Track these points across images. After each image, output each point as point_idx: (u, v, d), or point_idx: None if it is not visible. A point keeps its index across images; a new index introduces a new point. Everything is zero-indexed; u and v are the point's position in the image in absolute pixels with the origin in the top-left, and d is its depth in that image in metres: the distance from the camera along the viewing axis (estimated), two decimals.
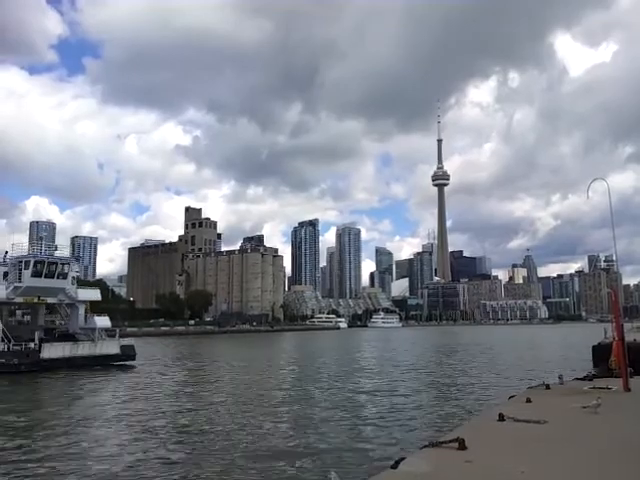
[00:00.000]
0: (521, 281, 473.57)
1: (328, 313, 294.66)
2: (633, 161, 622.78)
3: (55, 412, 22.67)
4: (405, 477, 6.44)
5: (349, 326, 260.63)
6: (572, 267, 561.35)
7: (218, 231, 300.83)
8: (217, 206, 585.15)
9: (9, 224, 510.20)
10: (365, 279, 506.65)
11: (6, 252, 45.37)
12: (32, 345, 39.16)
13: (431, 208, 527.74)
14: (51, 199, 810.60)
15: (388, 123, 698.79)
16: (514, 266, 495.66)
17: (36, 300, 43.30)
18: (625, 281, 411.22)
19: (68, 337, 43.52)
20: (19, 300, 42.26)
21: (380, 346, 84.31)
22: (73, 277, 45.79)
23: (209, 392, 29.17)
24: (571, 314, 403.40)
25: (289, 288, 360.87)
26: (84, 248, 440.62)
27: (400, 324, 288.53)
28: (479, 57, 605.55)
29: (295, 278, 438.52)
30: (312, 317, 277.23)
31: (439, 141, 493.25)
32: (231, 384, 32.98)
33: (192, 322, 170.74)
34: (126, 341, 46.95)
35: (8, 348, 38.31)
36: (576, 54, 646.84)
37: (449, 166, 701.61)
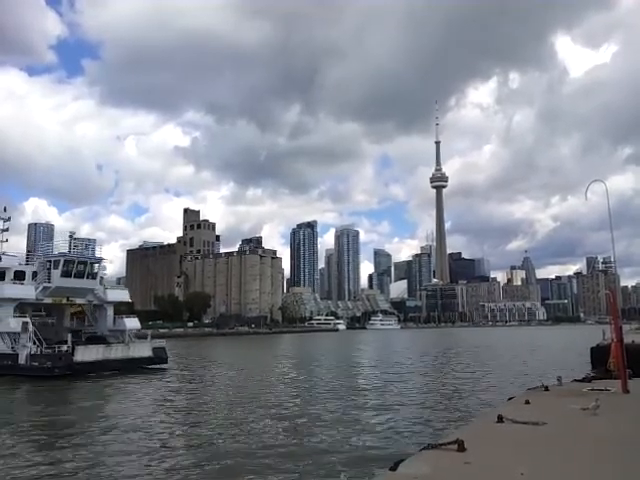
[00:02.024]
0: (519, 283, 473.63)
1: (327, 315, 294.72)
2: (631, 162, 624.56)
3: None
4: (404, 479, 6.42)
5: (348, 328, 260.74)
6: (571, 269, 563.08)
7: (217, 233, 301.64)
8: (216, 208, 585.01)
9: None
10: (364, 281, 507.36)
11: (28, 251, 44.85)
12: (65, 348, 37.26)
13: (430, 210, 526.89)
14: (50, 201, 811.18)
15: (388, 125, 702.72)
16: (512, 268, 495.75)
17: (65, 301, 42.20)
18: (623, 283, 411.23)
19: (98, 339, 41.97)
20: (48, 301, 41.16)
21: (378, 348, 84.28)
22: (101, 277, 44.45)
23: (231, 397, 29.16)
24: (569, 316, 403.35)
25: (288, 290, 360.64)
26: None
27: (399, 326, 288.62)
28: (480, 58, 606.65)
29: (294, 280, 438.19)
30: (311, 319, 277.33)
31: (437, 143, 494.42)
32: (245, 387, 32.98)
33: (191, 324, 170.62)
34: (157, 343, 45.01)
35: (40, 351, 36.70)
36: (577, 55, 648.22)
37: (449, 168, 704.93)
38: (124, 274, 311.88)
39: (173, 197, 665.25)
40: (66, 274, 40.25)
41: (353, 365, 49.41)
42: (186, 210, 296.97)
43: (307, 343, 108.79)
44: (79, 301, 43.11)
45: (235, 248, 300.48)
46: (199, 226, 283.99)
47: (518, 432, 8.86)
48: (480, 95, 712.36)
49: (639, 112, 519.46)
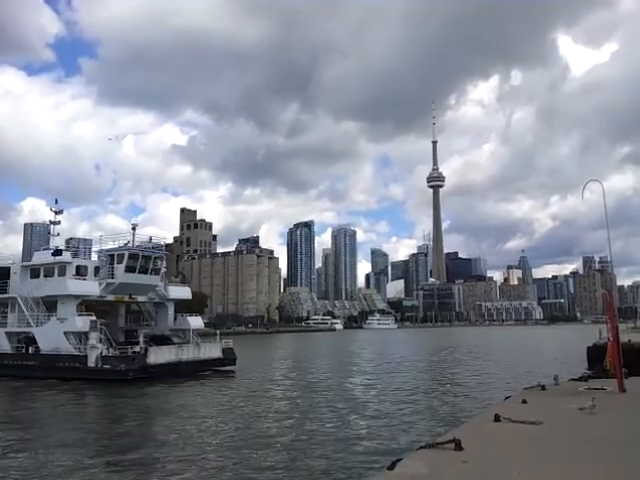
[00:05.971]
0: (516, 282, 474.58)
1: (324, 315, 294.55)
2: (629, 162, 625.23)
3: None
4: (401, 478, 6.43)
5: (345, 327, 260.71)
6: (568, 268, 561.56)
7: (215, 232, 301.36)
8: (214, 207, 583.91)
9: (5, 225, 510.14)
10: (361, 280, 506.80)
11: (77, 247, 43.11)
12: (137, 349, 34.28)
13: (429, 209, 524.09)
14: (47, 200, 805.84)
15: (387, 124, 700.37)
16: (509, 267, 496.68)
17: (127, 298, 39.50)
18: (620, 282, 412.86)
19: (162, 340, 39.26)
20: (110, 298, 38.23)
21: (375, 348, 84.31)
22: (163, 273, 42.00)
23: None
24: (566, 315, 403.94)
25: (285, 290, 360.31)
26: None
27: (395, 325, 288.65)
28: (481, 56, 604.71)
29: (291, 280, 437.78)
30: (308, 319, 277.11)
31: (434, 143, 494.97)
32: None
33: None
34: (226, 343, 41.51)
35: (111, 353, 34.03)
36: (577, 54, 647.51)
37: (449, 167, 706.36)
38: None
39: (171, 197, 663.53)
40: (130, 269, 37.40)
41: (349, 365, 49.37)
42: (183, 210, 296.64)
43: (304, 342, 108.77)
44: (141, 299, 40.62)
45: (232, 248, 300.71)
46: (196, 226, 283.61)
47: (515, 431, 8.89)
48: (481, 92, 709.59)
49: (637, 111, 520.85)
